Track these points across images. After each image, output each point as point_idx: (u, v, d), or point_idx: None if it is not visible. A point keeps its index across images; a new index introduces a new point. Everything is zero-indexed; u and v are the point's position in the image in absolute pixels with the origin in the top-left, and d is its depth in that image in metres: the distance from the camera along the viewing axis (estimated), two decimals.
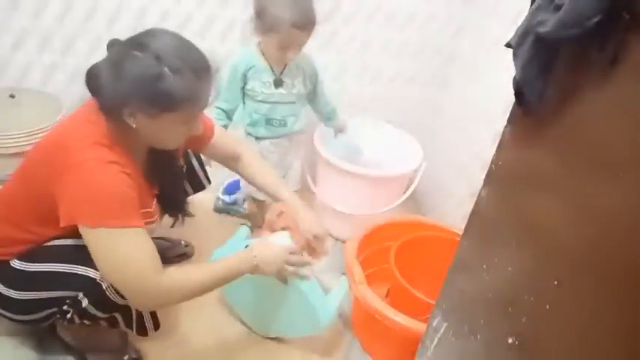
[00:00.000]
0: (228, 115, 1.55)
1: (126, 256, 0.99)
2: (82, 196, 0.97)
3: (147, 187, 1.17)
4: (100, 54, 1.73)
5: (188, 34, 1.76)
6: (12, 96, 1.66)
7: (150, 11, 1.70)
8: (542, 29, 0.61)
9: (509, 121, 0.78)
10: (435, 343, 0.97)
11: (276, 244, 1.21)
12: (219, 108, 1.53)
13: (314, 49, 1.87)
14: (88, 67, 1.04)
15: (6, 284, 1.10)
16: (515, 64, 0.69)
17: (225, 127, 1.54)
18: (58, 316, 1.10)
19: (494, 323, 0.78)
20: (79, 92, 1.79)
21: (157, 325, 1.20)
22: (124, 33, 1.71)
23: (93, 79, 1.02)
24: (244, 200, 1.91)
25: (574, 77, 0.65)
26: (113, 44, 1.04)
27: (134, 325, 1.17)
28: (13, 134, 1.49)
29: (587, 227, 0.62)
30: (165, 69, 0.97)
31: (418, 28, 1.95)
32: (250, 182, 1.39)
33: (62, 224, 0.99)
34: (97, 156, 0.98)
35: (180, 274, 1.05)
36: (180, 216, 1.35)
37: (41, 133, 1.52)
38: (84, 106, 1.09)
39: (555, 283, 0.65)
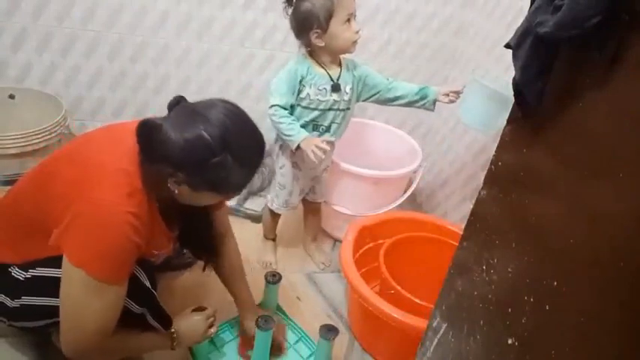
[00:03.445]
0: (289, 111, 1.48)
1: (87, 307, 0.97)
2: (81, 234, 0.95)
3: (165, 232, 1.13)
4: (100, 54, 1.74)
5: (187, 35, 1.79)
6: (12, 96, 1.66)
7: (150, 11, 1.70)
8: (541, 30, 0.61)
9: (509, 121, 0.78)
10: (434, 343, 0.97)
11: (193, 315, 1.24)
12: (278, 105, 1.43)
13: None
14: (145, 119, 0.98)
15: (4, 292, 1.08)
16: (515, 65, 0.70)
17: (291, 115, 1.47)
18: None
19: (493, 324, 0.78)
20: (79, 92, 1.81)
21: (165, 324, 1.18)
22: (123, 33, 1.73)
23: (148, 134, 0.97)
24: (245, 199, 1.91)
25: (574, 77, 0.65)
26: (178, 102, 1.02)
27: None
28: (13, 134, 1.49)
29: (586, 227, 0.62)
30: (229, 158, 0.96)
31: (418, 28, 1.95)
32: (225, 269, 1.37)
33: (50, 243, 0.97)
34: (116, 201, 0.95)
35: (113, 342, 1.05)
36: (209, 258, 1.33)
37: (41, 133, 1.52)
38: (121, 145, 1.01)
39: (555, 283, 0.65)
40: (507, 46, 0.72)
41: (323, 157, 1.41)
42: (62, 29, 1.68)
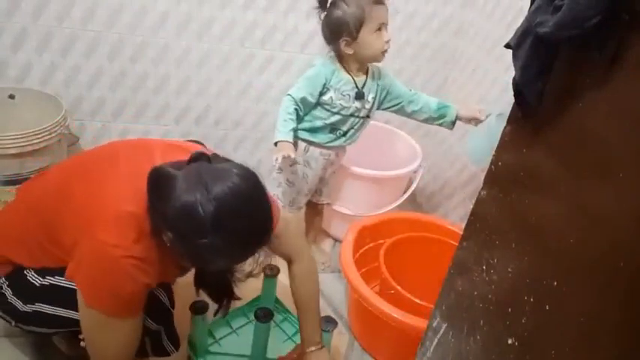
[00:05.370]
0: (299, 115, 1.49)
1: (104, 340, 1.00)
2: (90, 274, 0.96)
3: (178, 264, 1.10)
4: (100, 54, 1.74)
5: (187, 35, 1.79)
6: (12, 96, 1.66)
7: (150, 11, 1.70)
8: (542, 30, 0.61)
9: (509, 121, 0.78)
10: (434, 343, 0.97)
11: None
12: (290, 96, 1.45)
13: (315, 49, 1.88)
14: (160, 166, 0.94)
15: (16, 294, 1.07)
16: (515, 65, 0.69)
17: (295, 115, 1.47)
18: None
19: (493, 324, 0.78)
20: (79, 92, 1.81)
21: (177, 346, 1.18)
22: (123, 33, 1.73)
23: (156, 183, 0.93)
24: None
25: (574, 77, 0.65)
26: (197, 159, 0.95)
27: (150, 350, 1.16)
28: (13, 134, 1.49)
29: (586, 227, 0.62)
30: (219, 240, 0.88)
31: (418, 28, 1.95)
32: (293, 296, 1.26)
33: (66, 275, 0.98)
34: (122, 245, 0.93)
35: None
36: (224, 301, 1.24)
37: (41, 133, 1.52)
38: (137, 181, 0.96)
39: (555, 283, 0.65)
40: (507, 46, 0.72)
41: (276, 165, 1.45)
42: (62, 29, 1.68)
